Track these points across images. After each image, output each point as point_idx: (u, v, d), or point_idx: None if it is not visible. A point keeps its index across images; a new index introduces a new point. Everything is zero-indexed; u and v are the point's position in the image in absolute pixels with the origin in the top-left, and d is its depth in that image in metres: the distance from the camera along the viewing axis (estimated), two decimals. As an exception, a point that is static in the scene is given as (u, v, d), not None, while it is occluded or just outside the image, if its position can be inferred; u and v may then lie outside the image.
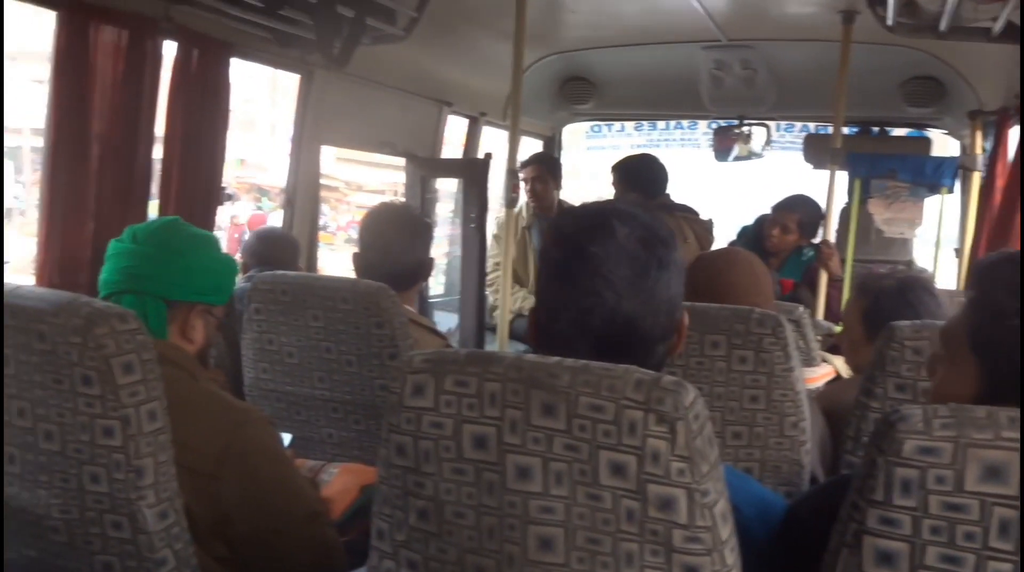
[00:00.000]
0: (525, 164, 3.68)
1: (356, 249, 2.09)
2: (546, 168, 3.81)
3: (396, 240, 2.03)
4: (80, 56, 2.05)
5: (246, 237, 3.28)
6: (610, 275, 1.00)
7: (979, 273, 1.05)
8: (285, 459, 1.43)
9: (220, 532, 1.29)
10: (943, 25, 2.17)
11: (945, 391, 1.03)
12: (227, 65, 2.48)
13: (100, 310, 1.12)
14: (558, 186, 3.85)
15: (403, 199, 3.46)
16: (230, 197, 2.67)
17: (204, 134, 2.43)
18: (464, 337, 3.29)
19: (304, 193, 2.97)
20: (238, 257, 2.66)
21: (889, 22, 2.27)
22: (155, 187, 2.37)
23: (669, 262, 1.04)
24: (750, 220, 3.76)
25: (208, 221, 2.44)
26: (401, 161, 3.56)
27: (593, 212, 1.07)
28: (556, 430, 0.88)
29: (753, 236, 3.53)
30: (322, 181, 3.16)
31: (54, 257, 2.04)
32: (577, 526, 0.88)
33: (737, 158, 4.26)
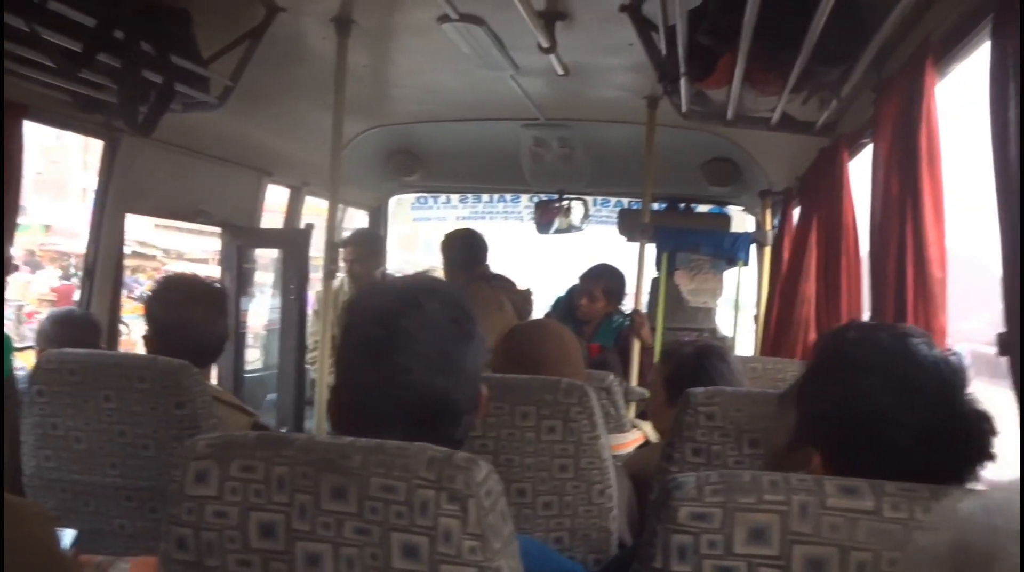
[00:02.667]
0: (344, 244, 3.65)
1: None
2: (366, 249, 3.77)
3: (196, 315, 1.92)
4: None
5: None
6: (422, 350, 1.00)
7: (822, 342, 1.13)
8: (63, 561, 1.30)
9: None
10: (729, 114, 2.38)
11: (773, 441, 1.11)
12: (20, 128, 2.31)
13: None
14: (380, 264, 3.81)
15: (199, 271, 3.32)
16: (16, 268, 2.46)
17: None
18: (282, 412, 3.17)
19: (105, 264, 2.79)
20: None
21: (683, 109, 2.46)
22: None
23: (474, 334, 1.07)
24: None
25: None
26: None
27: (400, 289, 1.08)
28: (347, 513, 0.86)
29: (565, 306, 3.68)
30: (139, 249, 2.99)
31: None
32: (369, 614, 0.86)
33: (558, 230, 4.44)
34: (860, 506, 0.82)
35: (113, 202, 2.79)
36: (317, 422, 2.58)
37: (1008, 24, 1.15)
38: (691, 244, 3.68)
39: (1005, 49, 1.14)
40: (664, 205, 4.31)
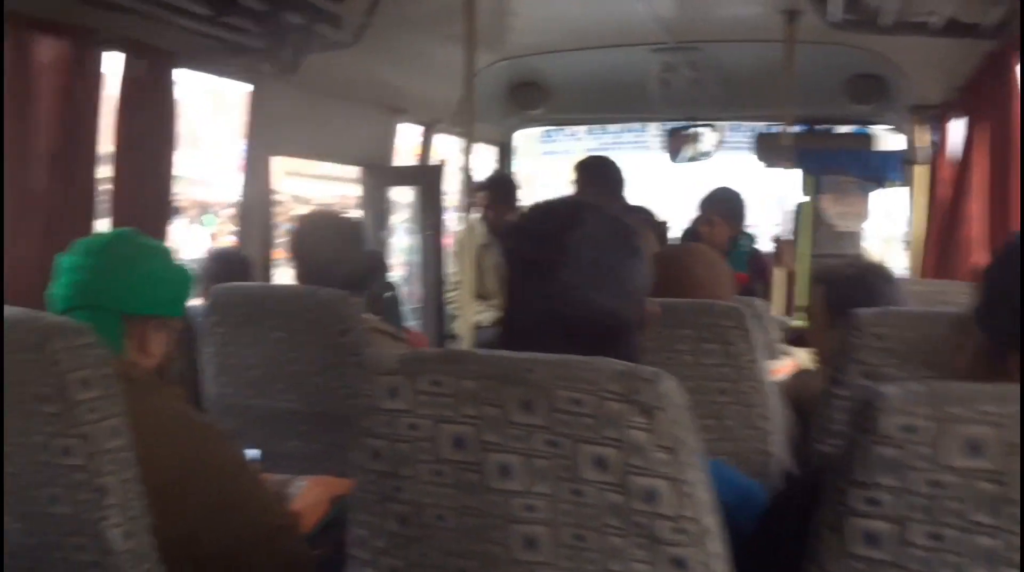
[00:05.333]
0: (478, 188, 3.64)
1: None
2: (497, 194, 3.76)
3: (338, 247, 1.99)
4: (23, 70, 1.99)
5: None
6: (586, 265, 1.00)
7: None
8: (250, 473, 1.40)
9: (187, 550, 1.25)
10: (885, 20, 2.22)
11: (955, 366, 1.04)
12: (172, 75, 2.43)
13: (55, 325, 1.08)
14: (512, 207, 3.79)
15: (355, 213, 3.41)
16: (176, 212, 2.62)
17: (151, 146, 2.37)
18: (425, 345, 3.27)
19: (258, 207, 2.92)
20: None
21: (833, 19, 2.31)
22: (105, 203, 2.31)
23: (639, 250, 1.05)
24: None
25: (159, 237, 2.38)
26: (347, 172, 3.51)
27: (561, 206, 1.07)
28: (535, 426, 0.87)
29: (691, 236, 3.57)
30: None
31: (6, 282, 1.96)
32: (561, 523, 0.87)
33: (691, 159, 4.32)
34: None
35: (259, 145, 2.90)
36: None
37: None
38: (837, 166, 3.49)
39: None
40: (804, 127, 4.10)
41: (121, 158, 2.32)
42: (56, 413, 1.05)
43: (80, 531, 1.08)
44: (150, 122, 2.36)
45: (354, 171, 3.66)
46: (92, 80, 2.15)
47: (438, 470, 0.90)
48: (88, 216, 2.18)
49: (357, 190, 3.68)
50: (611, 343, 1.02)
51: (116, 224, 2.29)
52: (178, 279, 1.42)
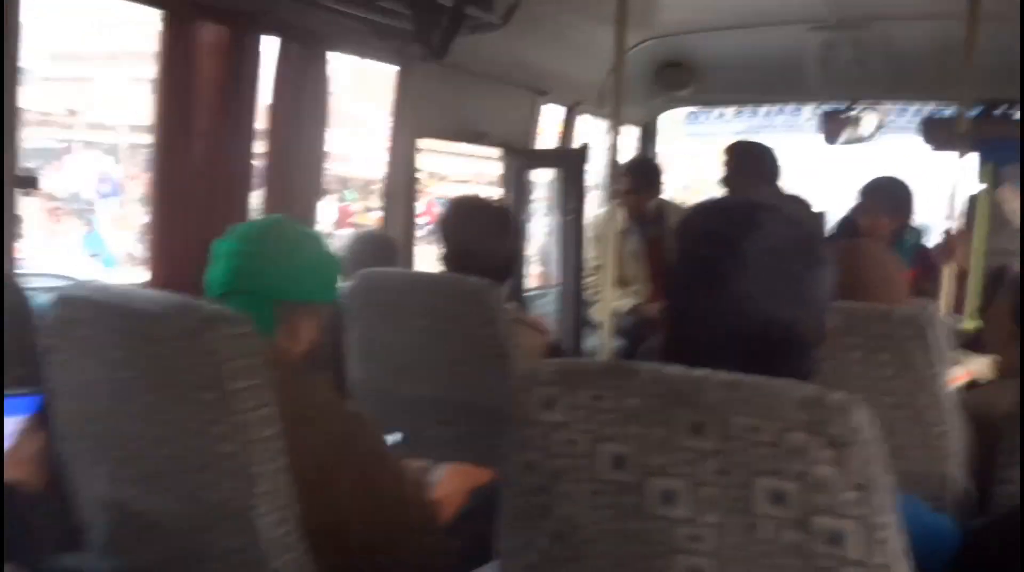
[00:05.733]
0: (621, 173, 3.52)
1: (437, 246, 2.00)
2: (639, 178, 3.63)
3: (487, 235, 1.95)
4: (184, 54, 2.06)
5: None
6: (766, 275, 0.90)
7: None
8: (393, 463, 1.39)
9: (332, 539, 1.25)
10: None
11: None
12: (325, 58, 2.46)
13: (212, 313, 1.08)
14: (655, 194, 3.65)
15: (490, 190, 3.39)
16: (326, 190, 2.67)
17: (304, 128, 2.42)
18: (563, 331, 3.22)
19: (402, 188, 2.94)
20: None
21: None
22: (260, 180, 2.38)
23: (823, 259, 0.95)
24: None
25: (311, 216, 2.43)
26: (484, 150, 3.48)
27: (737, 206, 0.98)
28: (706, 452, 0.79)
29: (848, 227, 3.28)
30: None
31: (164, 256, 2.05)
32: (731, 558, 0.79)
33: (847, 142, 4.04)
34: None
35: (405, 127, 2.91)
36: (602, 346, 2.58)
37: None
38: (1019, 154, 3.15)
39: None
40: (978, 109, 3.73)
41: (275, 138, 2.38)
42: (212, 401, 1.06)
43: (231, 517, 1.09)
44: (304, 103, 2.41)
45: (491, 149, 3.63)
46: (250, 64, 2.21)
47: (595, 489, 0.84)
48: (244, 198, 2.25)
49: (493, 168, 3.65)
50: (788, 360, 0.93)
51: (269, 201, 2.35)
52: (329, 266, 1.43)
